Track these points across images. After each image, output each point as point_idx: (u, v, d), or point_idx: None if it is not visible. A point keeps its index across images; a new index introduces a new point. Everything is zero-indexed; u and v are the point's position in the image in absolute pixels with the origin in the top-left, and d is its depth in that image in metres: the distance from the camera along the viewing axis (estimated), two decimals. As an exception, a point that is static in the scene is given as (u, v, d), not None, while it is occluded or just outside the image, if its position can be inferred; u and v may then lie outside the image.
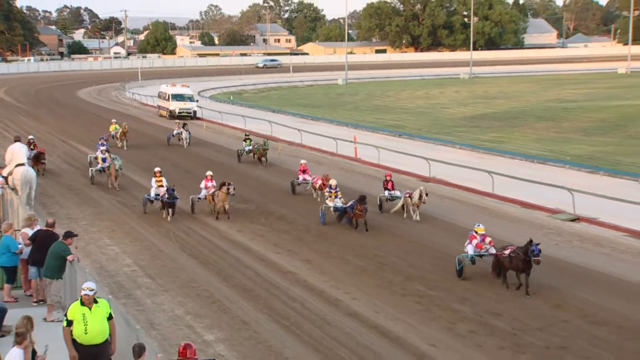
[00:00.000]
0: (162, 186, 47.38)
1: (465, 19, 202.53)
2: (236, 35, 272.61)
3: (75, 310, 20.55)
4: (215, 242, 44.51)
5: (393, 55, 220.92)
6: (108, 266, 40.16)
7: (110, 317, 20.97)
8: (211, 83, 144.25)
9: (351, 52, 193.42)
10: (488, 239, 35.30)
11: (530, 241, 31.81)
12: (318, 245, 43.81)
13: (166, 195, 45.63)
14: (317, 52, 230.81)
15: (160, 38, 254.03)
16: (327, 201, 44.99)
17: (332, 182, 46.08)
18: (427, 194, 46.15)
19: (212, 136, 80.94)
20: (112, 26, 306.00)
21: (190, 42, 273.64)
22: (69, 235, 30.14)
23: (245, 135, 69.27)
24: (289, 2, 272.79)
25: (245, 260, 41.43)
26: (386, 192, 49.63)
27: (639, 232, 44.84)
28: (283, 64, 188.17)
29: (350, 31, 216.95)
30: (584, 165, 63.78)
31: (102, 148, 60.91)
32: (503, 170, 58.15)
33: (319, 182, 51.01)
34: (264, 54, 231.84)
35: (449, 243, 42.39)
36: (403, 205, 48.54)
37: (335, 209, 45.00)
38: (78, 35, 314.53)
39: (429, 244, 43.92)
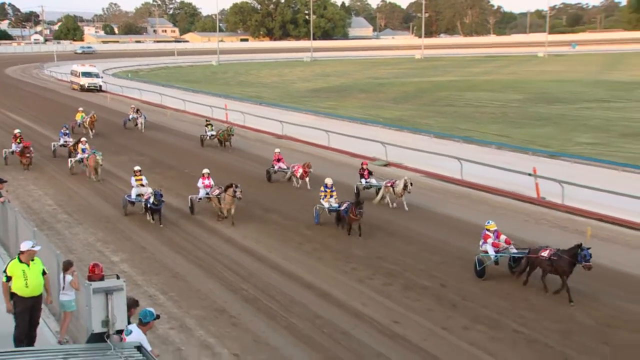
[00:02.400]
0: (142, 185, 36.40)
1: (307, 16, 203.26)
2: (132, 26, 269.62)
3: (14, 267, 18.71)
4: (122, 188, 41.45)
5: (253, 43, 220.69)
6: (33, 205, 39.39)
7: (44, 273, 19.02)
8: (113, 64, 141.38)
9: (221, 41, 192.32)
10: (503, 237, 27.61)
11: (580, 245, 24.16)
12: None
13: (152, 199, 33.81)
14: (195, 40, 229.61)
15: (71, 28, 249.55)
16: (321, 200, 35.22)
17: (328, 181, 35.61)
18: (411, 184, 36.82)
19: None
20: (32, 18, 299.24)
21: (96, 32, 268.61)
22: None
23: (207, 121, 58.83)
24: (173, 1, 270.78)
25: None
26: (363, 181, 40.21)
27: (432, 173, 46.30)
28: (162, 50, 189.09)
29: (220, 24, 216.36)
30: (394, 125, 65.79)
31: (66, 138, 51.35)
32: (336, 129, 59.23)
33: (300, 170, 41.86)
34: (154, 41, 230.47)
35: (312, 195, 38.06)
36: (383, 196, 38.75)
37: (331, 210, 35.15)
38: (3, 25, 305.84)
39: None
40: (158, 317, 17.03)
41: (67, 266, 19.62)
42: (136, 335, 13.89)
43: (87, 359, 11.93)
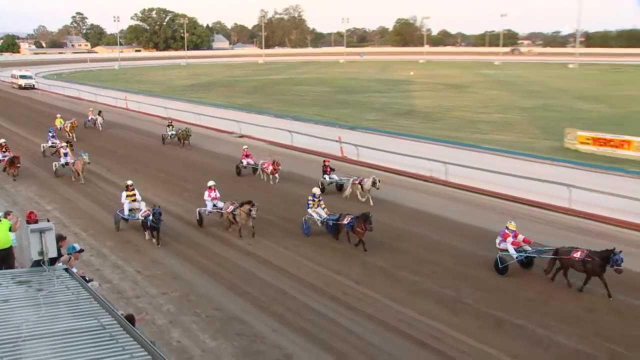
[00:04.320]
0: (135, 200, 26.28)
1: (182, 34, 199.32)
2: (55, 42, 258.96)
3: None
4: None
5: (144, 53, 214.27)
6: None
7: (10, 229, 17.54)
8: (42, 69, 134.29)
9: (121, 51, 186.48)
10: (521, 237, 21.40)
11: (613, 250, 18.96)
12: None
13: (151, 217, 24.17)
14: (102, 51, 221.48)
15: (10, 44, 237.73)
16: (309, 210, 25.76)
17: (316, 190, 26.47)
18: (379, 181, 29.75)
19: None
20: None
21: (29, 46, 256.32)
22: None
23: (169, 122, 49.64)
24: (85, 24, 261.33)
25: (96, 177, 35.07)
26: (326, 177, 32.28)
27: (272, 141, 46.11)
28: (78, 59, 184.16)
29: (120, 40, 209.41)
30: (245, 109, 64.95)
31: (53, 140, 42.64)
32: (205, 112, 58.46)
33: (270, 167, 34.03)
34: (72, 52, 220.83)
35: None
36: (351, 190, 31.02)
37: (324, 222, 25.32)
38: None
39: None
40: (82, 250, 17.45)
41: (6, 214, 18.63)
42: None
43: (29, 278, 11.99)
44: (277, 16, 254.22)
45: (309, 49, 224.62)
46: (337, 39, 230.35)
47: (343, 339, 16.89)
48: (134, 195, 26.58)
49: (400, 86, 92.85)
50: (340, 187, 32.48)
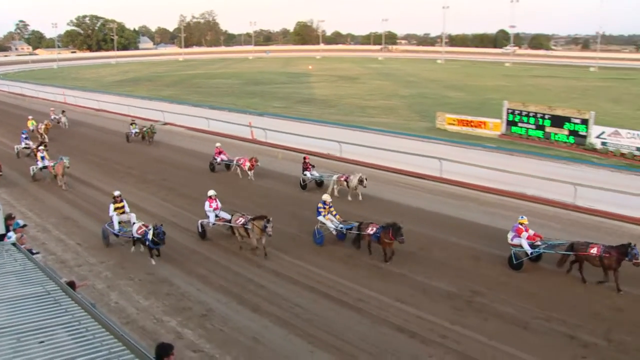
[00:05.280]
0: (124, 212, 20.93)
1: (112, 37, 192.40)
2: (1, 46, 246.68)
3: None
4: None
5: (79, 54, 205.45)
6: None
7: None
8: None
9: (59, 53, 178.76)
10: (532, 232, 18.51)
11: (630, 244, 16.58)
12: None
13: (150, 236, 18.63)
14: (42, 54, 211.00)
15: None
16: (320, 218, 20.75)
17: (327, 197, 21.06)
18: (366, 179, 25.44)
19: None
20: None
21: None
22: None
23: (132, 120, 43.07)
24: (27, 30, 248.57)
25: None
26: (308, 174, 27.71)
27: (190, 127, 45.20)
28: (21, 60, 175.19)
29: (58, 43, 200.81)
30: (168, 100, 62.82)
31: (26, 141, 36.05)
32: (133, 104, 56.40)
33: (247, 163, 29.69)
34: (16, 55, 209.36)
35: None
36: (334, 188, 26.36)
37: (339, 231, 20.53)
38: None
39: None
40: (25, 225, 16.77)
41: None
42: (13, 237, 13.38)
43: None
44: (195, 20, 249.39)
45: (223, 48, 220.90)
46: (246, 39, 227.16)
47: (254, 292, 16.82)
48: (123, 207, 21.12)
49: (300, 78, 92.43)
50: (320, 184, 28.01)
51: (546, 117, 37.31)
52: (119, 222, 20.85)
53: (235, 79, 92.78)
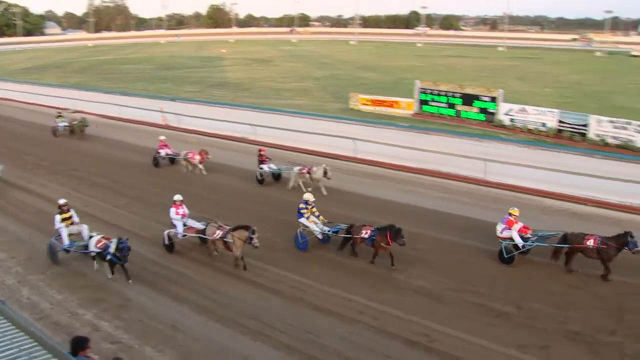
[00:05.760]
0: (72, 224, 18.09)
1: (15, 22, 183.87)
2: None
3: None
4: None
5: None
6: None
7: None
8: None
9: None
10: (521, 224, 17.21)
11: (628, 233, 15.85)
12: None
13: (111, 249, 16.18)
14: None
15: None
16: (302, 220, 18.41)
17: (309, 197, 18.65)
18: (330, 171, 23.62)
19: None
20: None
21: None
22: None
23: (58, 113, 38.70)
24: None
25: None
26: (265, 167, 25.61)
27: (103, 115, 43.76)
28: None
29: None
30: (77, 87, 59.67)
31: None
32: (42, 92, 54.24)
33: (197, 157, 27.17)
34: None
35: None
36: (297, 180, 24.67)
37: (325, 234, 18.51)
38: None
39: None
40: None
41: None
42: None
43: None
44: (104, 4, 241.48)
45: (134, 32, 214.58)
46: (158, 23, 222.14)
47: (173, 281, 16.57)
48: (71, 217, 18.20)
49: (213, 62, 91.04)
50: (278, 177, 26.04)
51: (457, 95, 38.39)
52: (69, 235, 17.90)
53: (146, 64, 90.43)
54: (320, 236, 18.52)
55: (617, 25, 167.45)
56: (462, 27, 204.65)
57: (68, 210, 18.22)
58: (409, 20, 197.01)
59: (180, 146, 30.38)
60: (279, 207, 22.14)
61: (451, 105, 38.68)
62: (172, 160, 29.33)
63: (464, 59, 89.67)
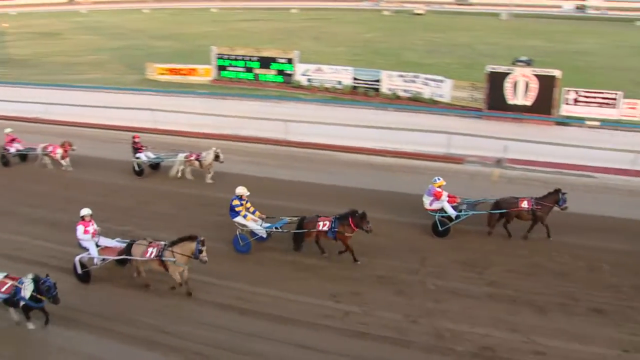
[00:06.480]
0: None
1: None
2: None
3: None
4: None
5: None
6: None
7: None
8: None
9: None
10: (446, 193, 16.42)
11: (558, 191, 15.79)
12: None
13: (25, 293, 12.15)
14: None
15: None
16: (238, 219, 15.55)
17: (243, 190, 15.60)
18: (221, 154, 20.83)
19: None
20: None
21: None
22: None
23: None
24: None
25: None
26: (142, 156, 22.19)
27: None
28: None
29: None
30: None
31: None
32: None
33: (59, 150, 23.06)
34: None
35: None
36: (183, 169, 21.61)
37: (267, 232, 15.91)
38: None
39: None
40: None
41: None
42: None
43: None
44: None
45: None
46: None
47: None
48: None
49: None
50: (156, 166, 22.96)
51: (254, 59, 38.49)
52: None
53: None
54: (264, 235, 16.03)
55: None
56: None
57: None
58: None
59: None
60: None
61: (249, 69, 38.71)
62: (24, 156, 24.69)
63: (258, 22, 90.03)
